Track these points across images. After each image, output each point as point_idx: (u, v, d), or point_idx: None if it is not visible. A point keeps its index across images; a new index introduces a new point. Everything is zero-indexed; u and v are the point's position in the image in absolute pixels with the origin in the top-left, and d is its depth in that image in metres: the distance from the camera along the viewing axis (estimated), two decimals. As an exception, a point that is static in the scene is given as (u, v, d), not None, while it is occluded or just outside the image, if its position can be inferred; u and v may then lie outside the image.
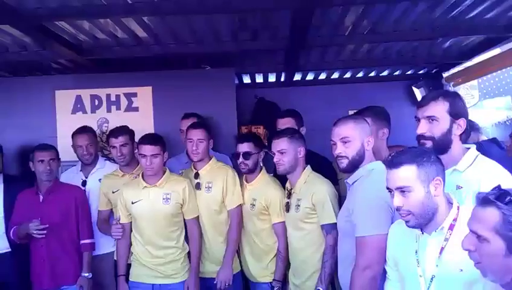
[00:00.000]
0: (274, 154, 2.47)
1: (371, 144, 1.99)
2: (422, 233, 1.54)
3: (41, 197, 2.92)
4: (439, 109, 1.73)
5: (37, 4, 2.41)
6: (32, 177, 2.99)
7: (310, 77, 4.73)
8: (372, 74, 4.75)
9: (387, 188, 1.56)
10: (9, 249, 3.01)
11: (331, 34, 3.20)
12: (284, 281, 2.63)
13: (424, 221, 1.49)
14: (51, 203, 2.92)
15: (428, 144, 1.74)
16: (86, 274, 2.96)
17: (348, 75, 4.75)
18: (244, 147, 2.72)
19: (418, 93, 4.76)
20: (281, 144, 2.44)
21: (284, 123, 2.86)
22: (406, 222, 1.52)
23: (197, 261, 2.73)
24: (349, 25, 3.07)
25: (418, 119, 1.79)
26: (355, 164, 1.96)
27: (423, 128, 1.75)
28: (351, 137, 1.96)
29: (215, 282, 2.73)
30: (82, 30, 2.92)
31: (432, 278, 1.48)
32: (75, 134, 3.18)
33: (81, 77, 3.86)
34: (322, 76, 4.74)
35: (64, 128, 3.66)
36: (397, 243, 1.66)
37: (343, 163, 1.97)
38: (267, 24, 2.96)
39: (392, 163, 1.52)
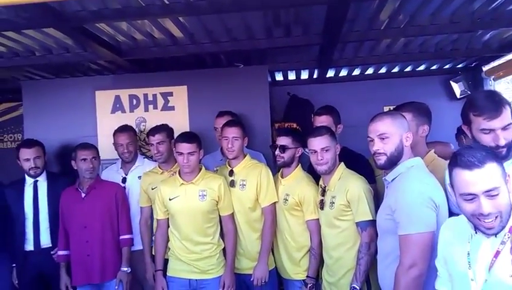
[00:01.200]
0: (315, 152, 2.45)
1: (410, 140, 1.94)
2: (476, 233, 1.43)
3: (82, 194, 3.05)
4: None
5: (78, 7, 2.49)
6: (74, 174, 3.12)
7: (343, 73, 4.67)
8: (408, 68, 4.63)
9: (466, 194, 1.35)
10: (51, 245, 3.16)
11: (366, 28, 3.14)
12: (317, 279, 2.63)
13: (505, 224, 1.35)
14: (92, 200, 3.03)
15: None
16: (125, 269, 3.06)
17: (383, 70, 4.65)
18: (282, 140, 2.73)
19: (457, 88, 4.60)
20: (323, 141, 2.42)
21: (322, 121, 2.83)
22: (489, 229, 1.34)
23: (232, 257, 2.77)
24: (385, 18, 3.00)
25: (488, 131, 1.69)
26: (393, 161, 1.93)
27: (501, 139, 1.65)
28: (389, 133, 1.92)
29: (251, 279, 2.75)
30: (121, 31, 3.00)
31: (484, 283, 1.38)
32: (116, 132, 3.29)
33: (119, 77, 3.97)
34: (356, 72, 4.67)
35: (104, 127, 3.79)
36: (449, 243, 1.57)
37: (381, 160, 1.94)
38: (300, 20, 2.94)
39: (470, 163, 1.33)
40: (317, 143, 2.43)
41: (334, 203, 2.38)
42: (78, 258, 3.01)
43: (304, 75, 4.67)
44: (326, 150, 2.42)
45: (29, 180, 3.22)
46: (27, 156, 3.15)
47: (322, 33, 3.12)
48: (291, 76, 4.71)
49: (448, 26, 3.15)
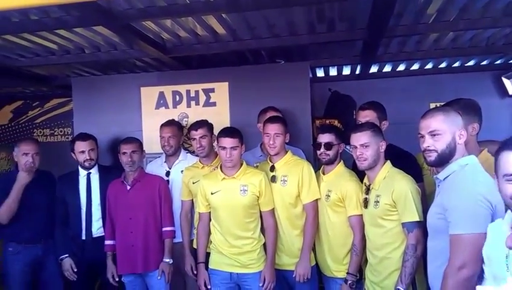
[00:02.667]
0: (355, 147, 2.42)
1: (463, 138, 1.87)
2: None
3: (128, 187, 3.15)
4: None
5: (126, 5, 2.57)
6: (122, 167, 3.23)
7: (387, 68, 4.55)
8: (457, 64, 4.44)
9: (509, 174, 1.32)
10: (103, 234, 3.27)
11: (413, 22, 3.04)
12: (359, 277, 2.58)
13: None
14: (137, 192, 3.13)
15: None
16: (167, 260, 3.13)
17: (429, 66, 4.49)
18: (326, 138, 2.70)
19: (509, 84, 4.37)
20: (363, 137, 2.38)
21: (365, 116, 2.77)
22: None
23: (272, 252, 2.77)
24: (434, 12, 2.90)
25: None
26: (444, 158, 1.86)
27: None
28: (441, 130, 1.86)
29: (293, 276, 2.74)
30: (165, 29, 3.07)
31: None
32: (161, 126, 3.39)
33: (163, 74, 4.07)
34: (401, 67, 4.53)
35: (148, 123, 3.91)
36: (492, 243, 1.53)
37: (432, 157, 1.89)
38: (344, 15, 2.88)
39: None
40: (357, 139, 2.40)
41: (378, 202, 2.33)
42: (123, 248, 3.11)
43: (346, 71, 4.60)
44: (366, 146, 2.37)
45: (82, 172, 3.34)
46: (82, 148, 3.27)
47: (366, 28, 3.05)
48: (333, 72, 4.65)
49: (501, 19, 2.99)
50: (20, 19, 2.72)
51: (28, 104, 5.43)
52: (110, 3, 2.46)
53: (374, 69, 4.50)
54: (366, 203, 2.44)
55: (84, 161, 3.28)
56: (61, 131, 5.33)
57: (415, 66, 4.51)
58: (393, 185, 2.29)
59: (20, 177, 3.19)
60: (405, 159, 2.62)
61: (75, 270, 3.25)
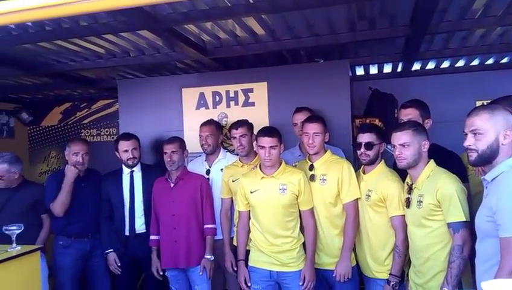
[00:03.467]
0: (394, 147, 2.39)
1: (509, 138, 1.79)
2: None
3: (171, 185, 3.25)
4: None
5: (170, 10, 2.66)
6: (165, 165, 3.34)
7: (430, 65, 4.41)
8: (505, 60, 4.23)
9: None
10: (145, 230, 3.40)
11: (458, 18, 2.94)
12: (402, 278, 2.54)
13: None
14: (180, 190, 3.22)
15: None
16: (209, 256, 3.20)
17: (475, 62, 4.31)
18: (366, 137, 2.67)
19: (563, 80, 4.13)
20: (403, 137, 2.34)
21: (407, 114, 2.71)
22: None
23: (312, 251, 2.77)
24: (480, 7, 2.79)
25: None
26: (485, 159, 1.80)
27: None
28: (483, 129, 1.79)
29: (334, 275, 2.73)
30: (206, 31, 3.14)
31: None
32: (201, 125, 3.48)
33: (203, 75, 4.16)
34: (445, 64, 4.38)
35: (189, 123, 4.01)
36: None
37: (472, 156, 1.84)
38: (386, 12, 2.83)
39: None
40: (397, 138, 2.36)
41: (422, 202, 2.28)
42: (166, 244, 3.22)
43: (387, 68, 4.50)
44: (406, 146, 2.32)
45: (126, 170, 3.49)
46: (125, 147, 3.41)
47: (409, 25, 2.99)
48: (373, 70, 4.56)
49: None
50: (70, 25, 2.88)
51: (76, 106, 5.70)
52: (154, 8, 2.55)
53: (416, 66, 4.37)
54: (408, 203, 2.39)
55: (127, 160, 3.41)
56: (106, 131, 5.56)
57: (460, 63, 4.35)
58: (437, 185, 2.23)
59: (68, 171, 3.35)
60: (449, 158, 2.55)
61: (119, 264, 3.40)
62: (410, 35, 3.16)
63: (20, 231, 2.61)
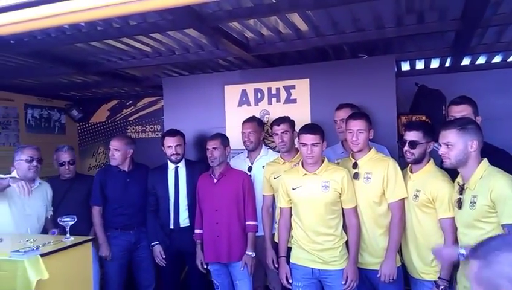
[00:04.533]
0: (440, 146, 2.30)
1: None
2: None
3: (214, 180, 3.30)
4: None
5: (215, 7, 2.70)
6: (207, 161, 3.40)
7: (481, 60, 4.21)
8: (562, 53, 3.99)
9: None
10: (189, 224, 3.48)
11: (512, 10, 2.80)
12: (450, 281, 2.45)
13: None
14: (223, 186, 3.27)
15: None
16: (250, 253, 3.22)
17: (530, 56, 4.09)
18: (411, 136, 2.60)
19: None
20: (448, 136, 2.25)
21: (460, 111, 2.61)
22: None
23: (355, 250, 2.73)
24: (538, -3, 2.64)
25: None
26: None
27: None
28: None
29: (378, 275, 2.68)
30: (249, 28, 3.16)
31: None
32: (243, 122, 3.51)
33: (246, 72, 4.19)
34: (497, 59, 4.17)
35: (231, 120, 4.07)
36: None
37: None
38: (436, 5, 2.74)
39: None
40: (442, 137, 2.28)
41: (475, 203, 2.18)
42: (209, 238, 3.28)
43: (435, 64, 4.34)
44: (448, 146, 2.24)
45: (171, 166, 3.58)
46: (170, 143, 3.50)
47: (460, 18, 2.87)
48: (420, 65, 4.42)
49: None
50: (120, 25, 2.99)
51: (122, 103, 5.92)
52: (201, 6, 2.59)
53: (466, 61, 4.20)
54: (460, 204, 2.29)
55: (171, 155, 3.50)
56: (151, 128, 5.74)
57: (514, 57, 4.13)
58: (491, 185, 2.13)
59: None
60: (499, 157, 2.42)
61: (164, 256, 3.50)
62: (461, 29, 3.03)
63: (73, 222, 2.75)
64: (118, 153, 3.58)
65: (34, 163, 3.19)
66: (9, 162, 3.31)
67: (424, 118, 3.69)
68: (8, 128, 5.04)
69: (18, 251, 2.33)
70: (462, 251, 2.11)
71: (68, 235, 2.70)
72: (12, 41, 3.20)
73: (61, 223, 2.77)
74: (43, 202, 3.33)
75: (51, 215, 3.41)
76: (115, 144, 3.61)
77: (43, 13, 1.98)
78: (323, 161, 2.80)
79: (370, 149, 2.84)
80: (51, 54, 3.65)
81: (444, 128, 2.30)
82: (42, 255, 2.33)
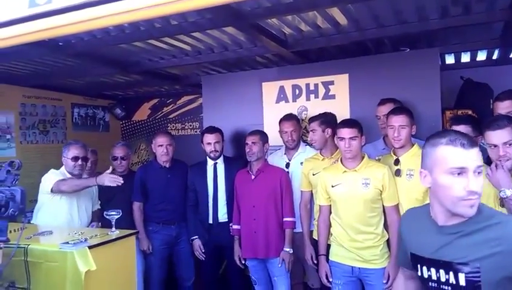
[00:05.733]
0: (495, 146, 2.16)
1: None
2: None
3: (252, 177, 3.32)
4: None
5: (254, 5, 2.70)
6: (246, 158, 3.42)
7: (531, 52, 3.99)
8: None
9: None
10: (227, 219, 3.52)
11: None
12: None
13: None
14: (260, 182, 3.28)
15: None
16: (288, 249, 3.21)
17: None
18: (461, 129, 2.49)
19: None
20: (505, 135, 2.12)
21: (505, 107, 2.49)
22: None
23: (397, 249, 2.67)
24: None
25: None
26: None
27: None
28: None
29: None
30: (288, 24, 3.14)
31: None
32: (281, 120, 3.49)
33: (283, 68, 4.18)
34: (548, 50, 3.94)
35: (269, 117, 4.07)
36: None
37: None
38: (484, -6, 2.62)
39: None
40: (497, 138, 2.14)
41: None
42: (246, 234, 3.30)
43: (481, 56, 4.15)
44: (510, 144, 2.11)
45: (210, 162, 3.64)
46: (209, 140, 3.56)
47: (508, 8, 2.72)
48: (465, 58, 4.23)
49: None
50: (162, 25, 3.06)
51: (163, 101, 6.07)
52: (239, 4, 2.61)
53: (515, 53, 3.99)
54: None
55: (210, 152, 3.55)
56: (190, 125, 5.85)
57: None
58: None
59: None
60: None
61: (203, 250, 3.56)
62: (509, 20, 2.88)
63: (118, 216, 2.85)
64: (171, 148, 3.68)
65: (79, 162, 3.33)
66: (59, 159, 3.48)
67: (470, 112, 3.54)
68: (56, 126, 5.30)
69: (67, 242, 2.44)
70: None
71: (114, 228, 2.81)
72: (60, 43, 3.36)
73: (107, 217, 2.88)
74: (90, 195, 3.49)
75: (98, 209, 3.56)
76: (167, 139, 3.68)
77: (90, 15, 2.06)
78: (363, 158, 2.75)
79: (413, 145, 2.76)
80: (95, 54, 3.79)
81: (495, 128, 2.14)
82: (90, 247, 2.43)
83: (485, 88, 3.72)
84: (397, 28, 3.12)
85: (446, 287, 1.42)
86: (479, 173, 1.35)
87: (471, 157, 1.34)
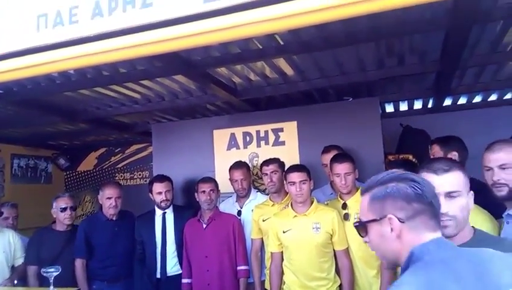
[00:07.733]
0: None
1: None
2: None
3: (204, 225, 3.24)
4: None
5: (203, 54, 2.77)
6: (196, 207, 3.36)
7: (462, 100, 4.35)
8: (540, 92, 4.15)
9: None
10: (178, 272, 3.36)
11: (489, 52, 2.93)
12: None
13: None
14: (213, 230, 3.21)
15: None
16: (243, 301, 3.12)
17: (508, 96, 4.23)
18: None
19: None
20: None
21: (436, 151, 2.70)
22: None
23: None
24: (511, 40, 2.78)
25: None
26: None
27: None
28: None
29: None
30: (237, 73, 3.24)
31: None
32: (231, 169, 3.48)
33: (234, 116, 4.24)
34: (477, 99, 4.32)
35: (221, 164, 4.05)
36: None
37: (503, 191, 1.80)
38: (415, 48, 2.86)
39: None
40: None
41: None
42: (199, 287, 3.16)
43: (418, 105, 4.47)
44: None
45: (158, 212, 3.51)
46: (159, 189, 3.45)
47: (439, 60, 2.99)
48: (403, 107, 4.54)
49: None
50: (110, 72, 3.03)
51: (111, 151, 5.91)
52: (189, 53, 2.67)
53: (447, 102, 4.33)
54: None
55: (161, 202, 3.44)
56: (139, 174, 5.70)
57: (493, 97, 4.28)
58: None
59: None
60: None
61: None
62: (441, 71, 3.15)
63: (57, 273, 2.63)
64: (119, 200, 3.50)
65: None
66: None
67: (410, 157, 3.74)
68: (-7, 179, 4.96)
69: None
70: None
71: (52, 287, 2.58)
72: (0, 91, 3.22)
73: (44, 274, 2.65)
74: (3, 248, 3.32)
75: (23, 263, 3.40)
76: (117, 192, 3.50)
77: (32, 62, 2.01)
78: (312, 202, 2.79)
79: (358, 189, 2.84)
80: (40, 103, 3.67)
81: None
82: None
83: (423, 134, 3.97)
84: (340, 78, 3.31)
85: None
86: (451, 197, 1.47)
87: (441, 183, 1.47)
